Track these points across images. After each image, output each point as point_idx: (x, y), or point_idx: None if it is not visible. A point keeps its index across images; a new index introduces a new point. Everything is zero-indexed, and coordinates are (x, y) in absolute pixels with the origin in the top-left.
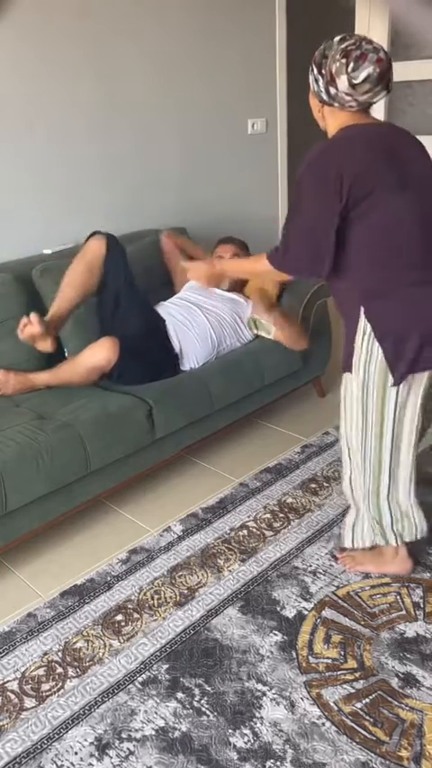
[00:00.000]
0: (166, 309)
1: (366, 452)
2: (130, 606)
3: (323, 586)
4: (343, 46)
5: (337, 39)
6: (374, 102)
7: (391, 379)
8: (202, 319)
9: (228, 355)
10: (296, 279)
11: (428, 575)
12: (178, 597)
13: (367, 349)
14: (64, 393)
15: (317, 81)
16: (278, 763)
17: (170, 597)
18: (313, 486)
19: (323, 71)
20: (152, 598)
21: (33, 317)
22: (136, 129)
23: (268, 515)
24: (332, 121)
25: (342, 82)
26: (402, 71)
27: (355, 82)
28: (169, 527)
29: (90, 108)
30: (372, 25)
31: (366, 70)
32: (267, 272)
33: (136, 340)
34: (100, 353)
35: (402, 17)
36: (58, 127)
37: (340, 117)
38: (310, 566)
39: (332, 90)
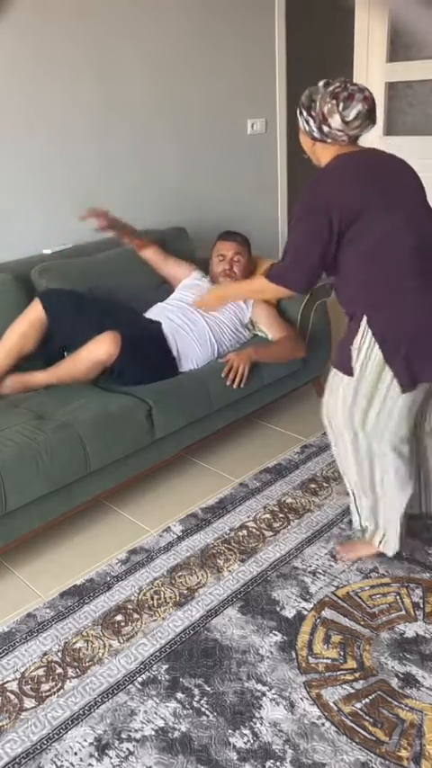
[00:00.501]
0: (163, 312)
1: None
2: (129, 606)
3: (323, 586)
4: (330, 89)
5: (321, 84)
6: (362, 135)
7: (385, 379)
8: (201, 323)
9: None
10: (293, 295)
11: (428, 575)
12: (178, 597)
13: (366, 352)
14: (63, 393)
15: (308, 122)
16: (278, 764)
17: (170, 597)
18: (313, 486)
19: (313, 113)
20: (152, 598)
21: None
22: (135, 129)
23: (268, 515)
24: (324, 155)
25: (335, 120)
26: (402, 71)
27: (347, 119)
28: (169, 527)
29: (90, 108)
30: (371, 25)
31: (356, 108)
32: (266, 289)
33: (134, 341)
34: (101, 347)
35: (402, 17)
36: (58, 127)
37: (331, 150)
38: (310, 566)
39: (325, 128)
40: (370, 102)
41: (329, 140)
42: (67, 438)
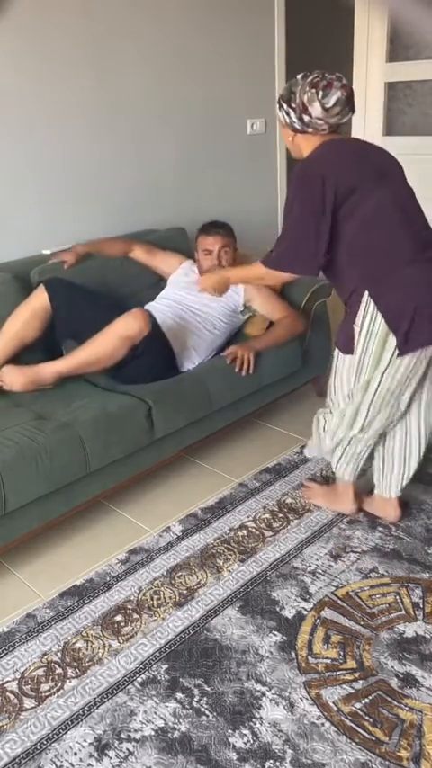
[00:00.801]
0: (156, 311)
1: (347, 408)
2: (129, 606)
3: (322, 587)
4: (309, 79)
5: (299, 76)
6: (342, 124)
7: (388, 352)
8: (194, 324)
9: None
10: (296, 279)
11: (428, 575)
12: (178, 597)
13: (369, 326)
14: (63, 393)
15: (288, 114)
16: (277, 764)
17: (169, 597)
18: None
19: (293, 104)
20: (151, 598)
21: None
22: (135, 129)
23: (268, 515)
24: (306, 146)
25: (315, 108)
26: (402, 71)
27: (327, 106)
28: (169, 527)
29: (90, 108)
30: (371, 25)
31: (335, 95)
32: (265, 274)
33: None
34: (134, 323)
35: (401, 17)
36: (58, 127)
37: (313, 140)
38: (310, 566)
39: (306, 117)
40: (348, 89)
41: (311, 130)
42: (67, 438)
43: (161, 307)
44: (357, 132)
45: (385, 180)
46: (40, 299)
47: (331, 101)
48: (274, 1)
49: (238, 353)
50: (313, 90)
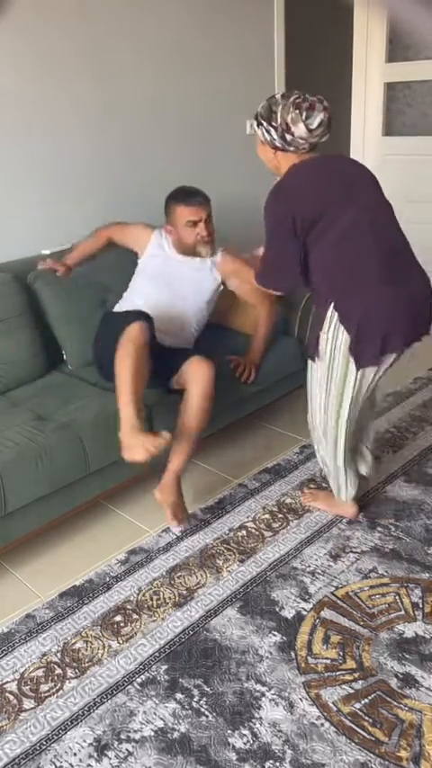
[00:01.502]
0: (138, 301)
1: (327, 429)
2: (129, 607)
3: (322, 587)
4: (291, 100)
5: (278, 96)
6: (320, 143)
7: (352, 364)
8: (179, 323)
9: (226, 355)
10: (283, 293)
11: (427, 575)
12: (177, 598)
13: (333, 335)
14: (63, 393)
15: (268, 132)
16: (277, 764)
17: (169, 598)
18: (312, 486)
19: (273, 123)
20: (151, 599)
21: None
22: (135, 129)
23: (267, 516)
24: (285, 163)
25: (299, 129)
26: (401, 72)
27: (311, 127)
28: (168, 528)
29: (89, 108)
30: (370, 26)
31: (318, 117)
32: (258, 288)
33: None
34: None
35: (401, 18)
36: (57, 127)
37: (292, 158)
38: (309, 566)
39: (288, 137)
40: (329, 111)
41: (291, 149)
42: (66, 439)
43: (139, 302)
44: (357, 133)
45: (357, 198)
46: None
47: (315, 122)
48: (274, 2)
49: (241, 363)
50: (297, 111)
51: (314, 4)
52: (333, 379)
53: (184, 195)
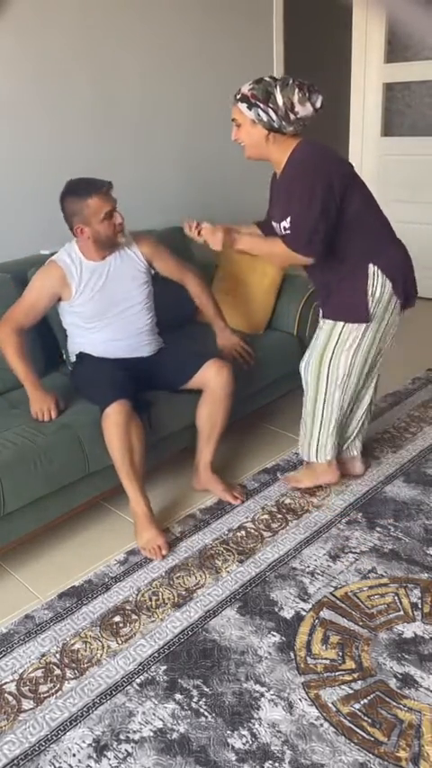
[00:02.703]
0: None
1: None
2: (128, 607)
3: (321, 587)
4: (291, 82)
5: (268, 79)
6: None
7: (388, 313)
8: (134, 329)
9: (225, 355)
10: (301, 264)
11: (426, 575)
12: (176, 598)
13: (380, 291)
14: (62, 394)
15: (266, 112)
16: (276, 764)
17: (168, 598)
18: (312, 486)
19: (273, 104)
20: (150, 599)
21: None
22: (135, 128)
23: (266, 516)
24: (279, 146)
25: (306, 108)
26: (400, 72)
27: (317, 107)
28: (167, 528)
29: (89, 108)
30: (369, 27)
31: (321, 97)
32: (283, 253)
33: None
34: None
35: (399, 18)
36: (57, 127)
37: (286, 140)
38: (308, 566)
39: (292, 116)
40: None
41: (290, 129)
42: (66, 439)
43: (97, 346)
44: (356, 133)
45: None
46: (121, 415)
47: (318, 102)
48: (273, 3)
49: (233, 352)
50: (301, 92)
51: (313, 4)
52: (380, 331)
53: (91, 186)
